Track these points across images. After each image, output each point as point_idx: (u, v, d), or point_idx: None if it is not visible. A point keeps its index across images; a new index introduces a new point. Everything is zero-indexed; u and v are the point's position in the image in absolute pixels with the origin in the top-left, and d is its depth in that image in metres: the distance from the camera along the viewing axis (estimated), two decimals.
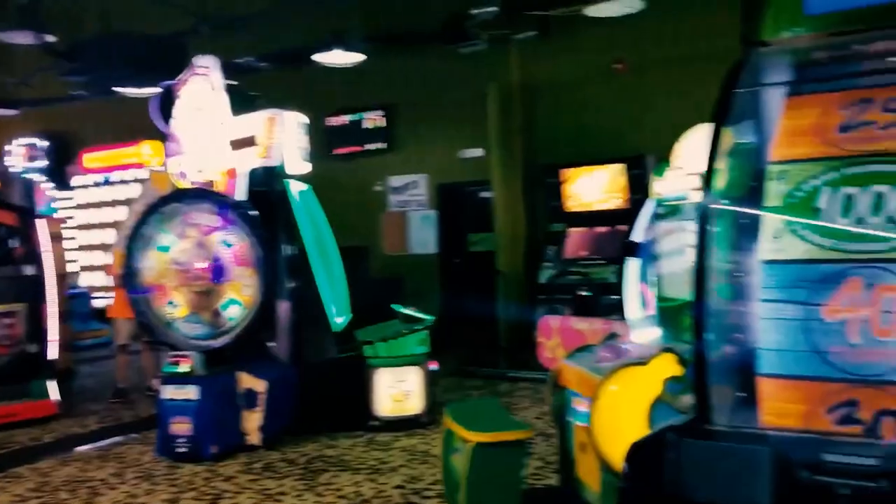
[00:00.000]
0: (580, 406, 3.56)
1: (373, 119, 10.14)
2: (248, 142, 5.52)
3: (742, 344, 2.22)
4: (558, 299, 8.05)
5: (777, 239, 2.19)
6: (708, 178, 2.29)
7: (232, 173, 5.59)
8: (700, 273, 2.21)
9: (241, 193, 5.55)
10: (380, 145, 10.15)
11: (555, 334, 4.81)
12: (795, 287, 2.12)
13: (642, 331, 4.17)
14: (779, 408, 2.11)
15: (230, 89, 5.71)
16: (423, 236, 10.02)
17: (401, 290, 8.93)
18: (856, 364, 2.01)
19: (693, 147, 3.85)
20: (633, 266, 4.60)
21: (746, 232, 2.31)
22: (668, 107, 7.50)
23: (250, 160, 5.55)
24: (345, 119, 10.34)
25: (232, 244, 5.45)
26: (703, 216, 2.25)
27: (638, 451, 2.03)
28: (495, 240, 9.15)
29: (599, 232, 8.26)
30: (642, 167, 7.59)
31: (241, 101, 5.76)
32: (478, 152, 9.38)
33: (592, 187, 8.28)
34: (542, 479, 4.41)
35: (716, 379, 2.21)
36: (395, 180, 10.19)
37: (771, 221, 2.21)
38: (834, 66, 2.42)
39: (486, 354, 8.48)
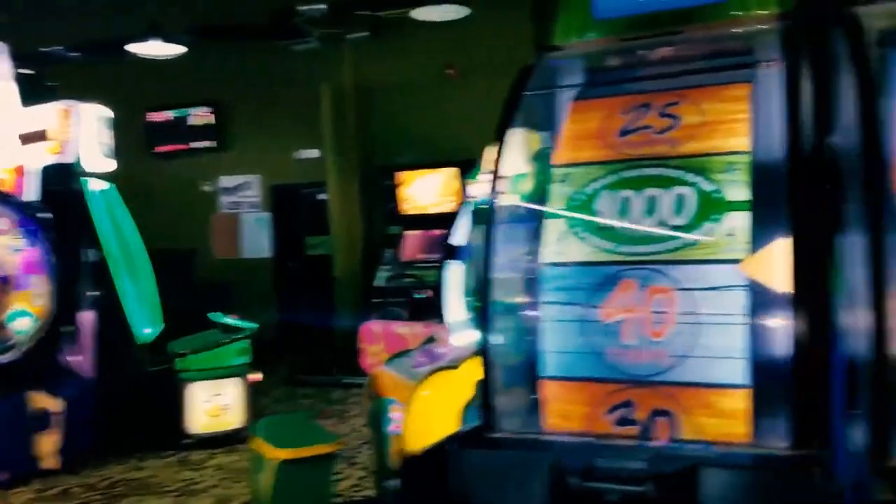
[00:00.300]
0: (396, 413, 3.47)
1: (200, 116, 9.62)
2: (40, 136, 5.00)
3: (528, 346, 2.19)
4: (394, 302, 8.01)
5: (559, 241, 2.17)
6: (493, 180, 2.24)
7: (21, 171, 5.05)
8: (484, 276, 2.15)
9: (31, 193, 5.02)
10: (209, 144, 9.65)
11: (377, 340, 4.69)
12: (576, 289, 2.10)
13: (462, 334, 4.14)
14: (562, 410, 2.08)
15: (22, 79, 5.16)
16: (256, 239, 9.64)
17: (230, 297, 8.54)
18: (631, 365, 2.01)
19: (506, 151, 3.86)
20: (453, 269, 4.58)
21: (533, 234, 2.28)
22: (496, 111, 7.60)
23: (42, 156, 5.03)
24: (169, 115, 9.74)
25: (21, 249, 4.92)
26: (488, 219, 2.20)
27: (413, 464, 1.92)
28: (331, 243, 8.95)
29: (435, 235, 8.27)
30: None
31: (36, 92, 5.23)
32: (313, 153, 9.13)
33: (427, 190, 8.29)
34: (363, 489, 4.28)
35: (503, 383, 2.16)
36: (226, 181, 9.73)
37: (554, 224, 2.19)
38: (619, 71, 2.45)
39: (322, 361, 8.25)
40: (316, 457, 3.22)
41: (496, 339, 2.19)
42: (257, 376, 5.56)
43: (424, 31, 8.05)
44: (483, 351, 2.12)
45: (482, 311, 2.15)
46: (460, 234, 4.42)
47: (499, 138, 2.25)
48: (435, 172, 8.15)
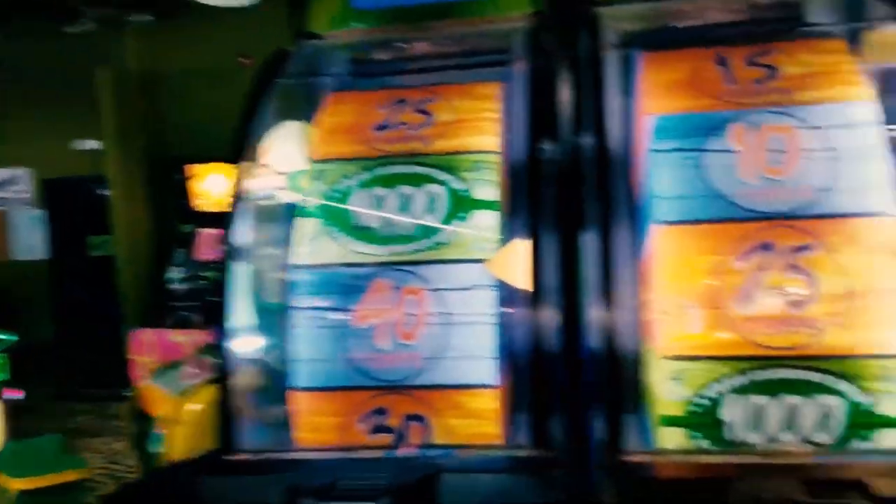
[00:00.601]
0: (161, 431, 3.21)
1: None
2: None
3: (277, 356, 2.05)
4: (187, 306, 7.57)
5: (312, 242, 2.05)
6: (240, 175, 2.09)
7: None
8: (225, 279, 1.99)
9: None
10: None
11: (149, 349, 4.35)
12: (328, 292, 1.99)
13: (245, 340, 3.93)
14: (314, 423, 1.96)
15: None
16: (27, 239, 8.75)
17: None
18: (384, 370, 1.93)
19: (278, 145, 3.72)
20: (235, 270, 4.36)
21: (287, 235, 2.15)
22: None
23: None
24: None
25: None
26: (232, 218, 2.04)
27: (129, 496, 1.72)
28: (115, 242, 8.30)
29: None
30: None
31: None
32: (93, 144, 8.41)
33: (223, 185, 7.90)
34: None
35: (248, 398, 2.01)
36: None
37: (307, 224, 2.07)
38: (379, 64, 2.37)
39: (104, 373, 7.60)
40: (60, 485, 2.88)
41: (242, 348, 2.04)
42: (17, 393, 4.98)
43: (215, 18, 7.63)
44: (223, 362, 1.96)
45: (223, 319, 1.99)
46: (240, 232, 4.21)
47: (243, 127, 2.09)
48: (231, 166, 7.79)
